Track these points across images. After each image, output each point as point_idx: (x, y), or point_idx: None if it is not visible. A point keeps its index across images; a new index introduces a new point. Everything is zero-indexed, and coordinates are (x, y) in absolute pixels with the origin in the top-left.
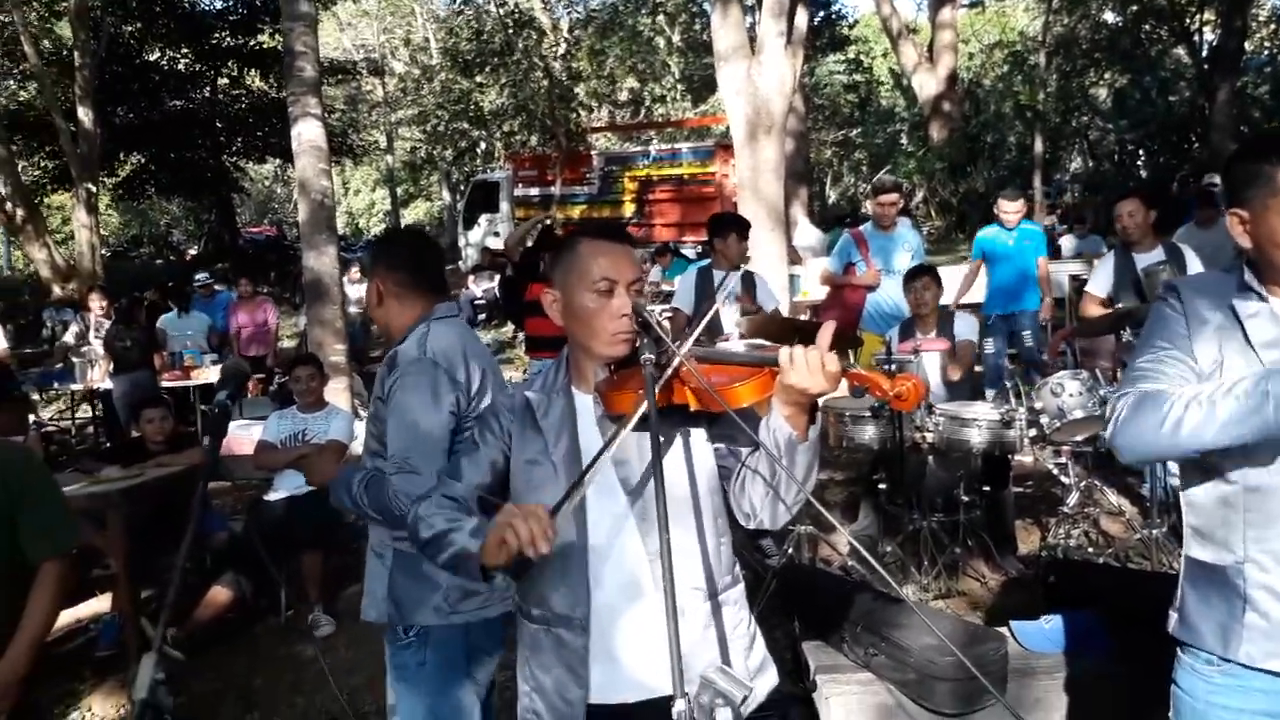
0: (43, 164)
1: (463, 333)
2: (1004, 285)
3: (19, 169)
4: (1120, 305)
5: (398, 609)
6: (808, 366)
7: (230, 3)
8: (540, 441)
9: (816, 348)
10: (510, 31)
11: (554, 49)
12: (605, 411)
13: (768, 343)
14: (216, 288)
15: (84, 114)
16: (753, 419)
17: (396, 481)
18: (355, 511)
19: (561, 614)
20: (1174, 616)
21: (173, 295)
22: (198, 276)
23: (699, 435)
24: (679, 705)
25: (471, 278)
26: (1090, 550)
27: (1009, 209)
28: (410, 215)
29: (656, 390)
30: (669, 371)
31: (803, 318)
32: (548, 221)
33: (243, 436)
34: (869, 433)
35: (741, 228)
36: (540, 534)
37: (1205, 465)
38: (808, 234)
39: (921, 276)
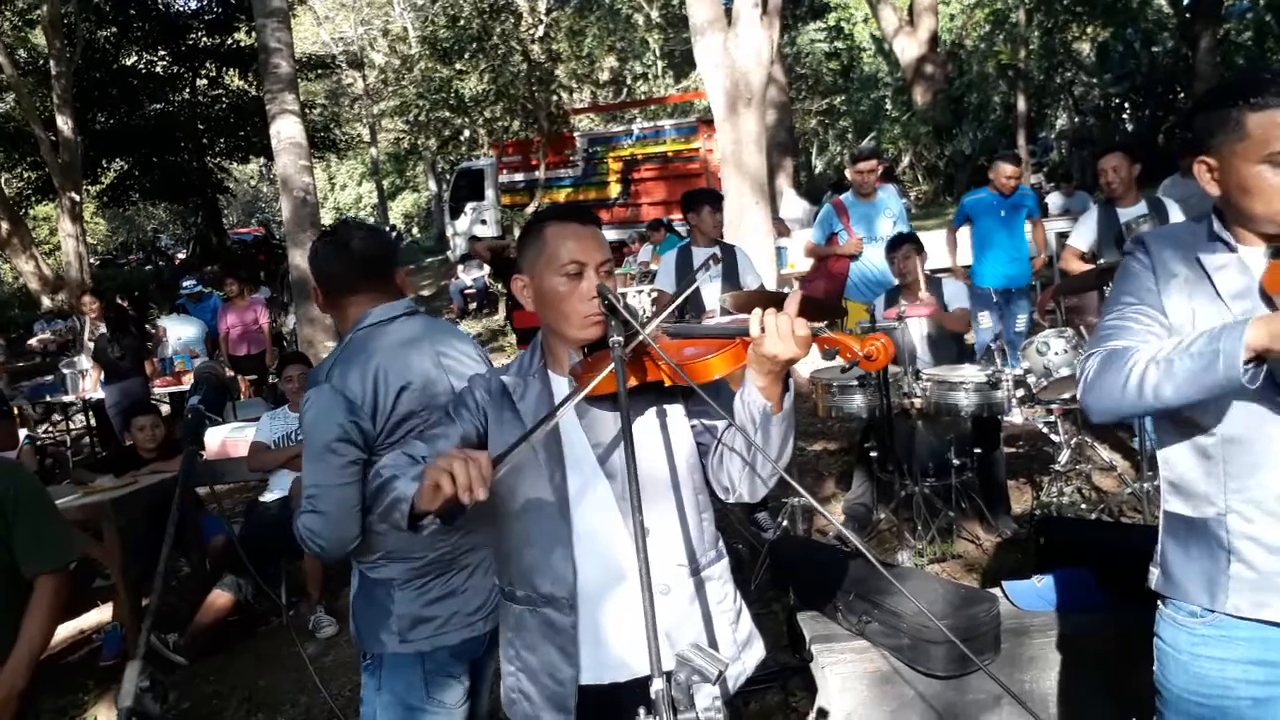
0: (25, 175)
1: (390, 341)
2: (998, 257)
3: (1, 181)
4: (1102, 260)
5: (357, 633)
6: (778, 332)
7: (205, 2)
8: (518, 425)
9: (785, 313)
10: (486, 16)
11: (532, 31)
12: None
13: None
14: (203, 290)
15: (63, 122)
16: (727, 394)
17: (304, 520)
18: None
19: (547, 594)
20: (1155, 572)
21: (156, 299)
22: (185, 283)
23: (676, 413)
24: (656, 684)
25: (460, 267)
26: (1083, 507)
27: (1010, 173)
28: (398, 207)
29: (629, 370)
30: (638, 352)
31: (787, 290)
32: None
33: (237, 438)
34: (858, 401)
35: (714, 201)
36: (479, 479)
37: (1181, 419)
38: (794, 205)
39: (903, 245)
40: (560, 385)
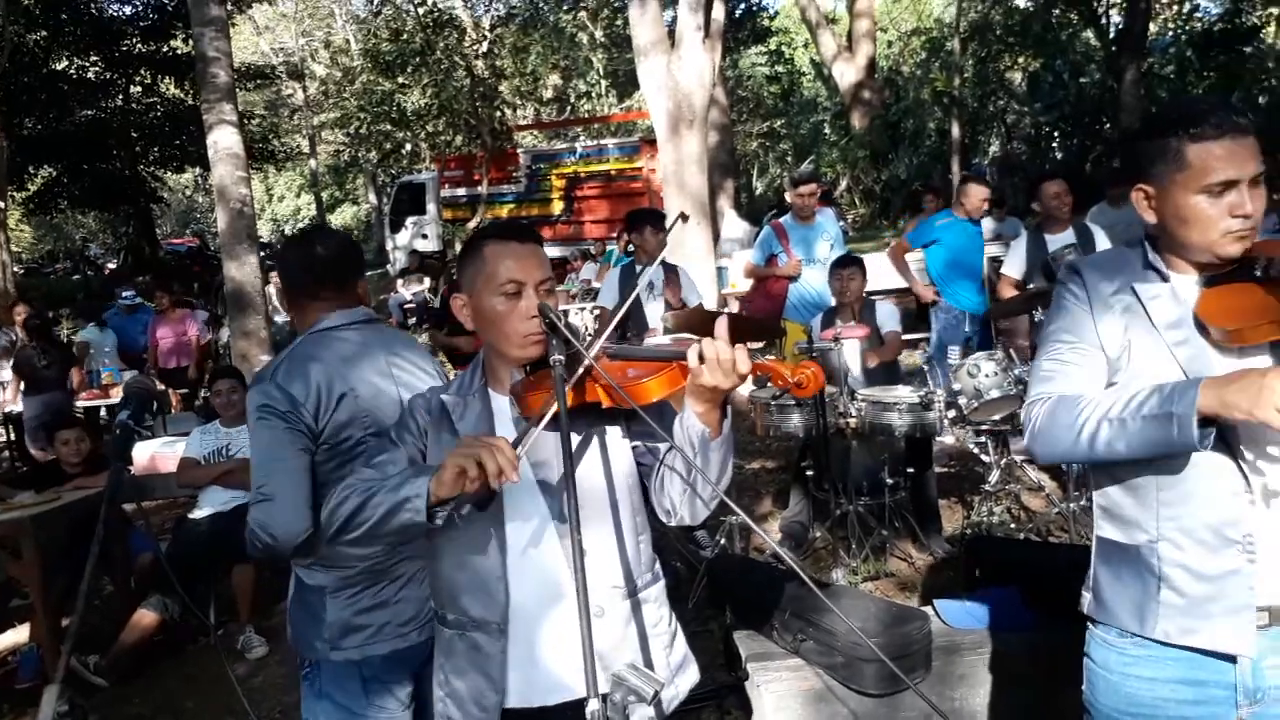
0: None
1: (339, 347)
2: (972, 285)
3: None
4: (1032, 286)
5: (294, 639)
6: (716, 362)
7: (140, 8)
8: (453, 444)
9: (721, 343)
10: (430, 31)
11: (475, 47)
12: (520, 414)
13: (692, 336)
14: (140, 303)
15: None
16: (670, 415)
17: (253, 513)
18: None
19: (477, 618)
20: (1087, 596)
21: (85, 311)
22: (123, 295)
23: (615, 433)
24: (592, 705)
25: (400, 281)
26: (1013, 526)
27: (983, 196)
28: (337, 219)
29: (569, 390)
30: (579, 372)
31: (725, 310)
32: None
33: (166, 453)
34: (795, 420)
35: (656, 220)
36: (509, 464)
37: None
38: (735, 226)
39: (849, 266)
40: (500, 404)
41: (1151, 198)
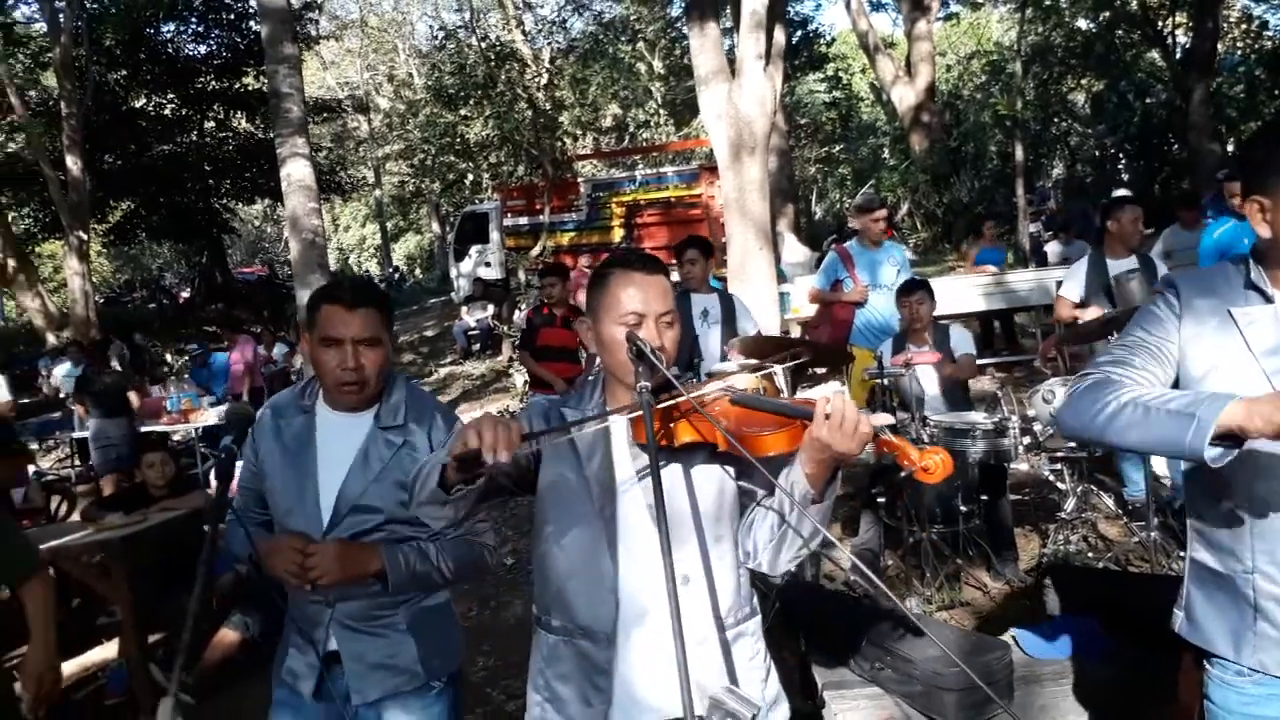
0: (33, 214)
1: None
2: None
3: (9, 220)
4: (1095, 309)
5: (429, 664)
6: (841, 425)
7: (215, 47)
8: (573, 458)
9: (850, 407)
10: (492, 64)
11: (536, 79)
12: (633, 436)
13: (762, 362)
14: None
15: (72, 162)
16: (778, 460)
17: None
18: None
19: (585, 625)
20: (1179, 615)
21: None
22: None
23: (730, 469)
24: None
25: (464, 308)
26: (1090, 555)
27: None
28: (401, 249)
29: (690, 424)
30: (689, 409)
31: (792, 335)
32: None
33: None
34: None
35: (704, 248)
36: (505, 441)
37: (1210, 471)
38: (795, 251)
39: (916, 291)
40: (618, 424)
41: (1266, 210)
